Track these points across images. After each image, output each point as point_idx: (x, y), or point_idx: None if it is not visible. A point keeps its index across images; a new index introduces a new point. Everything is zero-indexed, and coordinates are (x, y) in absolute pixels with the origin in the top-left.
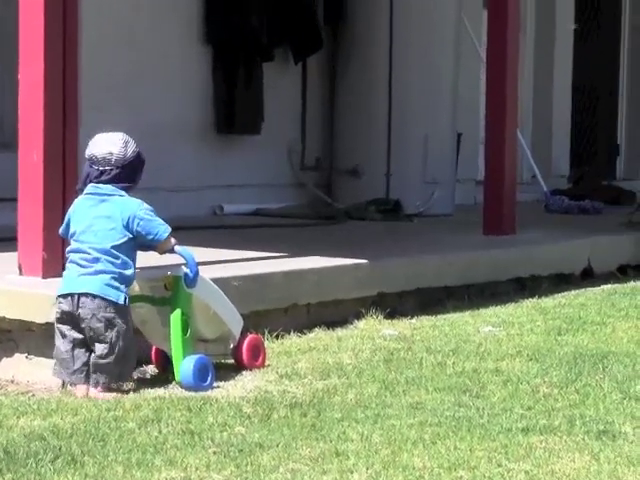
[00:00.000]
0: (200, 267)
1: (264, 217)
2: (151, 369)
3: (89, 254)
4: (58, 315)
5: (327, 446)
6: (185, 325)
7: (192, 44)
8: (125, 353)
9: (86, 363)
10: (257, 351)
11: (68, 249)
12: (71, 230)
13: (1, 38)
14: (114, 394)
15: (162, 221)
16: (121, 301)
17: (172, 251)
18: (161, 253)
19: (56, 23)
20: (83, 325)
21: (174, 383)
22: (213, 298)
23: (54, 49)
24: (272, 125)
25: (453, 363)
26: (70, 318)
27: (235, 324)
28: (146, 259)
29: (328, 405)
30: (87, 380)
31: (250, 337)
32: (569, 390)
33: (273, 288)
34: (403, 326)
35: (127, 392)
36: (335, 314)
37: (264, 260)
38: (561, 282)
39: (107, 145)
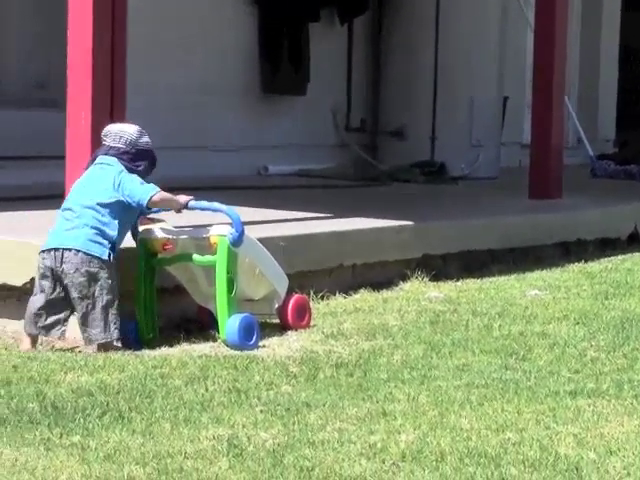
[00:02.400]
0: (245, 227)
1: (308, 178)
2: (197, 327)
3: (75, 211)
4: (42, 270)
5: (374, 406)
6: (230, 284)
7: (238, 4)
8: (108, 307)
9: (55, 324)
10: (303, 311)
11: (61, 207)
12: (67, 195)
13: (49, 5)
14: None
15: (149, 185)
16: (105, 256)
17: (186, 207)
18: (177, 212)
19: None
20: (66, 281)
21: (219, 342)
22: (259, 258)
23: (103, 12)
24: (317, 86)
25: (499, 326)
26: (51, 274)
27: (280, 284)
28: (192, 218)
29: (374, 366)
30: (47, 334)
31: (296, 297)
32: (617, 354)
33: (318, 248)
34: (448, 288)
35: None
36: (380, 275)
37: (309, 220)
38: (607, 247)
39: (123, 126)
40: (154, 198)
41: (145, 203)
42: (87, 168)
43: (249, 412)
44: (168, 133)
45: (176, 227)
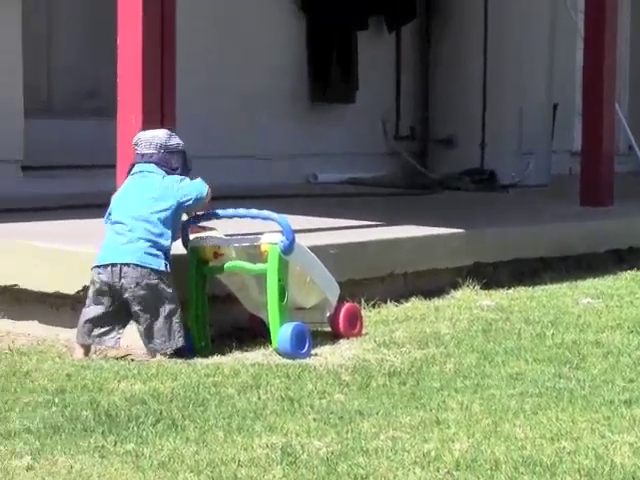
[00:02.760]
0: (296, 235)
1: (358, 186)
2: (248, 336)
3: (126, 224)
4: (97, 285)
5: (427, 415)
6: (282, 292)
7: (287, 12)
8: (171, 316)
9: (108, 332)
10: (354, 319)
11: (109, 221)
12: (112, 208)
13: (99, 11)
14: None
15: (195, 180)
16: (162, 267)
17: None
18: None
19: None
20: (126, 295)
21: (271, 350)
22: (310, 266)
23: (152, 18)
24: (366, 94)
25: (552, 334)
26: (108, 289)
27: (332, 292)
28: (242, 227)
29: (427, 374)
30: (100, 342)
31: (347, 305)
32: None
33: (369, 256)
34: (500, 296)
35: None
36: (431, 283)
37: (360, 229)
38: None
39: (151, 132)
40: (209, 189)
41: (204, 194)
42: (125, 179)
43: (302, 420)
44: (217, 141)
45: (227, 235)
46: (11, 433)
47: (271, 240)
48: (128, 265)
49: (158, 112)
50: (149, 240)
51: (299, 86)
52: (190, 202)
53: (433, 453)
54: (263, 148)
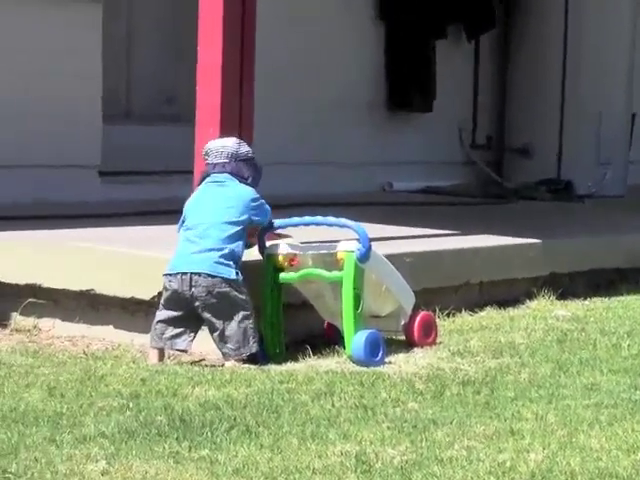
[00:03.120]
0: (372, 243)
1: (433, 195)
2: (322, 343)
3: (199, 233)
4: (169, 293)
5: (502, 425)
6: (357, 300)
7: (365, 20)
8: (245, 321)
9: (180, 334)
10: (429, 328)
11: (182, 228)
12: (185, 215)
13: (178, 18)
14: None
15: (268, 209)
16: (233, 276)
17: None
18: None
19: (234, 4)
20: (197, 303)
21: (345, 358)
22: (385, 274)
23: (232, 28)
24: (443, 103)
25: (628, 345)
26: (177, 296)
27: (407, 300)
28: (318, 234)
29: (501, 384)
30: (172, 345)
31: (422, 314)
32: None
33: (445, 266)
34: (575, 307)
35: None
36: (506, 293)
37: (435, 237)
38: None
39: (221, 142)
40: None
41: (267, 222)
42: (197, 187)
43: (376, 428)
44: (293, 149)
45: (303, 242)
46: (86, 437)
47: (347, 248)
48: (199, 274)
49: (236, 121)
50: (220, 249)
51: (376, 94)
52: (256, 224)
53: (508, 463)
54: (339, 156)
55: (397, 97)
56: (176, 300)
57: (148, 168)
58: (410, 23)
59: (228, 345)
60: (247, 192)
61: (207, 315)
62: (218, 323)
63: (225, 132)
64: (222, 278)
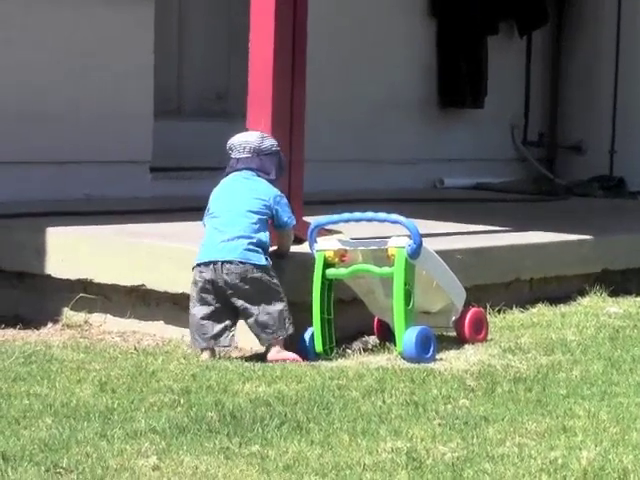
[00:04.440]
0: (423, 239)
1: (485, 191)
2: (373, 340)
3: (226, 222)
4: (201, 284)
5: (553, 422)
6: (408, 296)
7: (417, 17)
8: (278, 306)
9: (221, 332)
10: (480, 325)
11: (207, 218)
12: (210, 205)
13: (229, 15)
14: (292, 355)
15: (291, 216)
16: (263, 262)
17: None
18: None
19: (286, 2)
20: (230, 291)
21: (396, 354)
22: (436, 270)
23: (284, 25)
24: (495, 99)
25: None
26: (211, 286)
27: (458, 297)
28: (368, 230)
29: (553, 381)
30: (214, 346)
31: (473, 310)
32: None
33: (496, 262)
34: (628, 304)
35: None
36: (558, 290)
37: (486, 234)
38: None
39: (245, 136)
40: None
41: (290, 227)
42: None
43: (427, 425)
44: (345, 146)
45: (353, 238)
46: (137, 433)
47: (398, 244)
48: (230, 262)
49: (287, 118)
50: (249, 237)
51: (428, 91)
52: (280, 220)
53: (560, 461)
54: (391, 153)
55: (448, 94)
56: (209, 291)
57: (199, 164)
58: (461, 19)
59: (266, 330)
60: (271, 190)
61: (241, 302)
62: (253, 309)
63: (276, 128)
64: (253, 265)
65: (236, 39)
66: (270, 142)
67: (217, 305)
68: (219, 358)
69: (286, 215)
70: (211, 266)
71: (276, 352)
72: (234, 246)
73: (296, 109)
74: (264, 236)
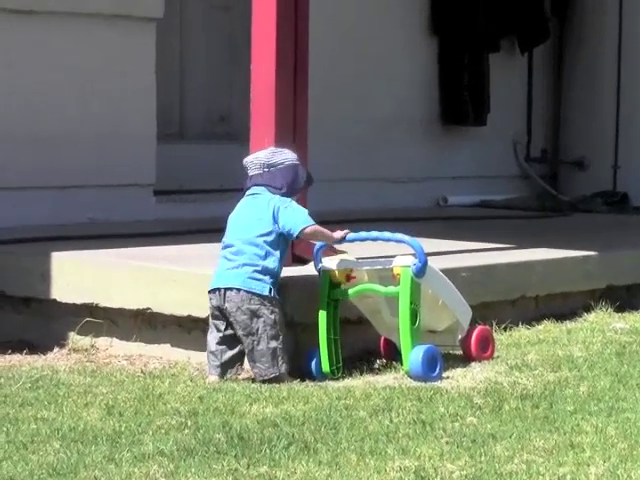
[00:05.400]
0: (428, 258)
1: (489, 209)
2: (379, 359)
3: (235, 248)
4: (211, 310)
5: (561, 438)
6: (414, 315)
7: (418, 35)
8: (274, 341)
9: (228, 364)
10: (486, 342)
11: (222, 245)
12: (226, 233)
13: (231, 37)
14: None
15: (303, 216)
16: (266, 292)
17: (345, 240)
18: (330, 248)
19: (287, 22)
20: (230, 319)
21: (403, 373)
22: (442, 288)
23: (285, 45)
24: (497, 116)
25: None
26: (221, 313)
27: (463, 315)
28: (373, 249)
29: (560, 397)
30: (222, 374)
31: (479, 328)
32: None
33: (501, 279)
34: (634, 319)
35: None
36: (563, 306)
37: (491, 251)
38: None
39: (257, 153)
40: (306, 231)
41: (295, 234)
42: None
43: (435, 443)
44: (348, 165)
45: (358, 258)
46: (145, 456)
47: (404, 263)
48: (231, 289)
49: (290, 137)
50: (254, 264)
51: (430, 108)
52: (286, 233)
53: (569, 477)
54: (394, 171)
55: (451, 111)
56: (219, 317)
57: (202, 187)
58: (463, 37)
59: (257, 365)
60: (273, 201)
61: (239, 332)
62: (247, 341)
63: (279, 147)
64: (254, 294)
65: (238, 60)
66: (283, 156)
67: (227, 332)
68: (225, 380)
69: (290, 223)
70: (217, 293)
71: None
72: (237, 274)
73: (299, 128)
74: (272, 262)
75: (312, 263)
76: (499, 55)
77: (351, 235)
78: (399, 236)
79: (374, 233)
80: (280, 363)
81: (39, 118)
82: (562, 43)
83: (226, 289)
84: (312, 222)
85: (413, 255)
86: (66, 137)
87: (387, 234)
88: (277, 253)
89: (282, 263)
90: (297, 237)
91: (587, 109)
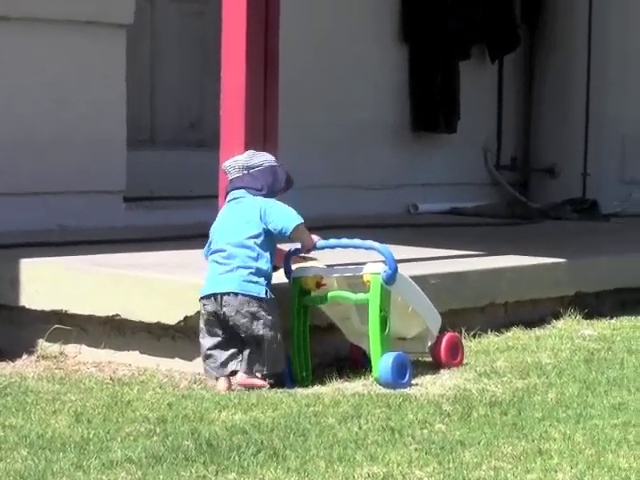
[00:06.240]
0: (398, 265)
1: (459, 216)
2: (349, 366)
3: (226, 253)
4: (206, 316)
5: (529, 445)
6: (383, 322)
7: (388, 43)
8: (273, 342)
9: (229, 358)
10: (455, 349)
11: (210, 251)
12: (211, 238)
13: (202, 44)
14: (260, 381)
15: (293, 214)
16: (262, 294)
17: (315, 248)
18: (305, 252)
19: (258, 27)
20: (230, 323)
21: (372, 380)
22: (411, 296)
23: (255, 51)
24: (468, 124)
25: None
26: (216, 318)
27: (433, 322)
28: (343, 257)
29: (528, 404)
30: (229, 374)
31: (448, 335)
32: None
33: (470, 286)
34: (602, 326)
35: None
36: (532, 313)
37: (461, 258)
38: None
39: (236, 157)
40: (300, 228)
41: (289, 233)
42: (221, 207)
43: (403, 450)
44: (319, 172)
45: (328, 265)
46: (113, 463)
47: (374, 270)
48: (228, 294)
49: (260, 145)
50: (248, 267)
51: (401, 116)
52: (275, 232)
53: None
54: (364, 178)
55: (421, 118)
56: (215, 323)
57: (173, 193)
58: (433, 45)
59: (256, 366)
60: (257, 202)
61: (241, 334)
62: (249, 342)
63: None
64: (251, 296)
65: (210, 67)
66: (262, 158)
67: (224, 336)
68: (233, 390)
69: (282, 222)
70: (212, 299)
71: (245, 377)
72: (232, 277)
73: (269, 135)
74: (264, 263)
75: (282, 270)
76: (469, 62)
77: (321, 242)
78: (369, 243)
79: (344, 240)
80: (278, 364)
81: (6, 124)
82: (532, 50)
83: (223, 294)
84: (302, 219)
85: (383, 262)
86: (34, 143)
87: (357, 241)
88: (267, 254)
89: (272, 264)
90: (289, 236)
91: (557, 116)
